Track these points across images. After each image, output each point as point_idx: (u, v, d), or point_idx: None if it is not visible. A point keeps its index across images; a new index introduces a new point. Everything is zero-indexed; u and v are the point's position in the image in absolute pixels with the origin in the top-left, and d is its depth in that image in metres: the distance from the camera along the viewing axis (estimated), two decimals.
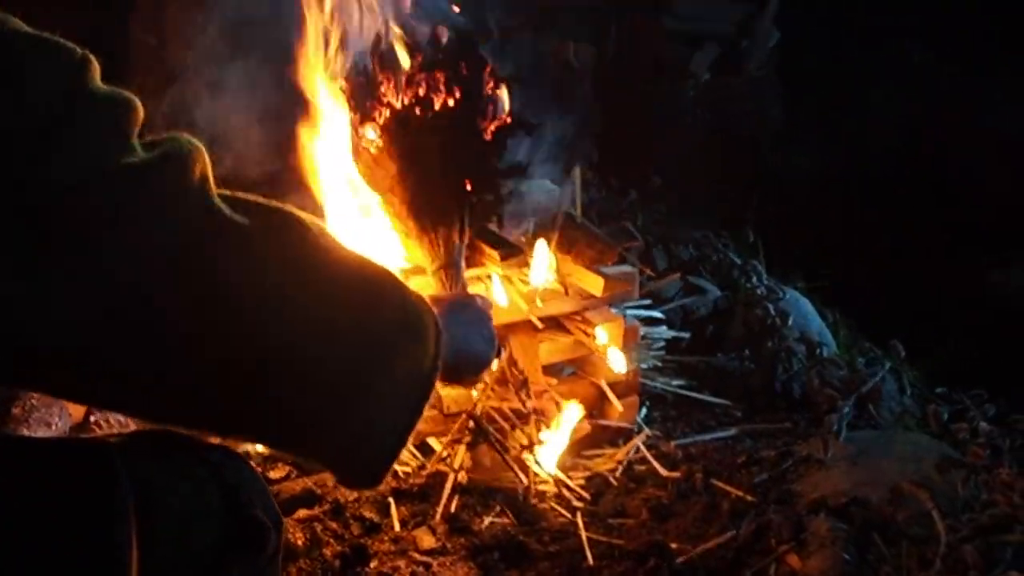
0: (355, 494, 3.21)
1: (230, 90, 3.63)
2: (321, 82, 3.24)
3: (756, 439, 3.72)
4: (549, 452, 3.31)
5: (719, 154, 6.07)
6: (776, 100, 6.58)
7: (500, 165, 3.34)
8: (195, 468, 1.80)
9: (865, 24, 6.59)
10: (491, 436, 3.30)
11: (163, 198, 1.35)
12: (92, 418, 3.56)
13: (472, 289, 3.34)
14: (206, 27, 3.73)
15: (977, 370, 4.18)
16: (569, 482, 3.31)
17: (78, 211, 1.27)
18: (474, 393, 3.33)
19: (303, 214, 1.59)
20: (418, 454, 3.41)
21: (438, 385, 1.72)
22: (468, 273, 3.39)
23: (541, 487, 3.27)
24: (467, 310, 2.21)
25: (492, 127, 3.28)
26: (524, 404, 3.32)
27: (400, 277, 1.73)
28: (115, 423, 3.55)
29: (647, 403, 3.82)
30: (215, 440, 1.76)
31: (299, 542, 2.96)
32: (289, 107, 3.30)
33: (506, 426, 3.37)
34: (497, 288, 3.38)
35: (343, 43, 3.24)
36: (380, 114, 3.21)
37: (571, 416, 3.36)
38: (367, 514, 3.13)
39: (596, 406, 3.61)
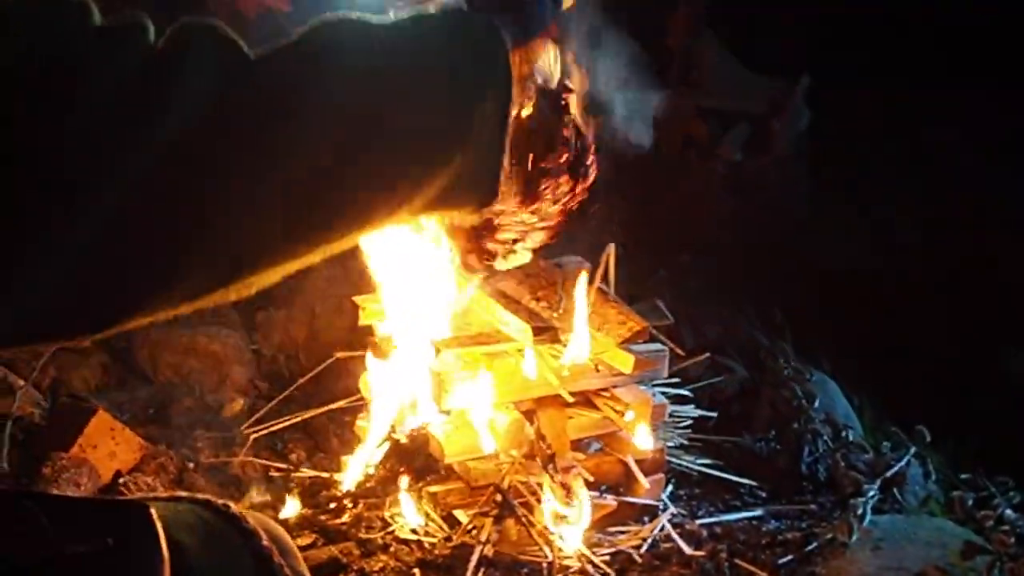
0: (380, 563, 3.24)
1: None
2: None
3: (781, 520, 3.72)
4: (573, 527, 3.32)
5: (747, 234, 6.09)
6: (804, 180, 6.60)
7: None
8: (229, 534, 1.82)
9: (894, 104, 6.61)
10: (517, 510, 3.32)
11: (199, 69, 1.40)
12: (121, 480, 3.59)
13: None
14: None
15: (1002, 456, 4.17)
16: (594, 558, 3.32)
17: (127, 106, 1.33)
18: (502, 462, 3.35)
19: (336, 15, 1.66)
20: (444, 526, 3.43)
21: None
22: (496, 348, 3.42)
23: (566, 562, 3.28)
24: None
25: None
26: (552, 479, 3.34)
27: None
28: (143, 486, 3.58)
29: (673, 481, 3.83)
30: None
31: None
32: None
33: (533, 500, 3.39)
34: (528, 361, 3.40)
35: None
36: None
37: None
38: None
39: (622, 483, 3.62)
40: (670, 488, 3.79)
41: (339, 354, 4.25)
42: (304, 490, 3.71)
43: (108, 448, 3.66)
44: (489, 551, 3.26)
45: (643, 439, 3.51)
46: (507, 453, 3.42)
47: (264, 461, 3.87)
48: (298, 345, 4.76)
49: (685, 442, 4.03)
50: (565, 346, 3.42)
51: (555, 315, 3.41)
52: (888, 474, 3.84)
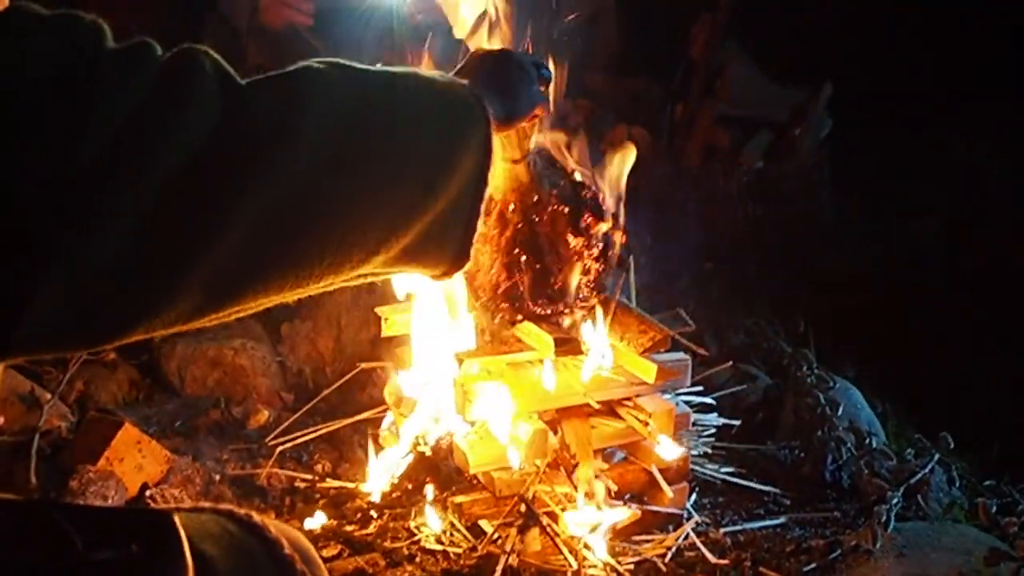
0: (405, 573, 3.25)
1: None
2: None
3: (805, 528, 3.72)
4: (597, 535, 3.33)
5: (769, 241, 6.10)
6: (826, 188, 6.61)
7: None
8: (252, 543, 1.84)
9: (917, 113, 6.61)
10: (542, 519, 3.33)
11: (196, 92, 1.44)
12: (147, 492, 3.61)
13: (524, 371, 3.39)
14: None
15: None
16: (619, 567, 3.32)
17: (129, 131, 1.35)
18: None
19: (326, 60, 1.71)
20: (469, 536, 3.44)
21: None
22: (519, 358, 3.44)
23: (591, 571, 3.29)
24: (500, 67, 2.32)
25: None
26: (575, 488, 3.35)
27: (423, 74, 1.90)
28: (170, 498, 3.60)
29: (696, 489, 3.83)
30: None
31: None
32: None
33: (557, 509, 3.40)
34: (548, 371, 3.41)
35: None
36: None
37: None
38: None
39: (646, 491, 3.63)
40: (694, 497, 3.79)
41: (363, 365, 4.27)
42: (329, 501, 3.73)
43: (135, 461, 3.68)
44: (514, 561, 3.27)
45: (666, 448, 3.52)
46: (531, 463, 3.43)
47: (290, 472, 3.89)
48: (323, 357, 4.79)
49: (709, 450, 4.04)
50: (587, 357, 3.43)
51: (578, 314, 3.43)
52: (912, 481, 3.83)
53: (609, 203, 3.38)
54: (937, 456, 4.01)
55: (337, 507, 3.68)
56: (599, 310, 3.43)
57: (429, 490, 3.62)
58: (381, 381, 4.03)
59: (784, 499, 3.92)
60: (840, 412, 4.29)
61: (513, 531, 3.34)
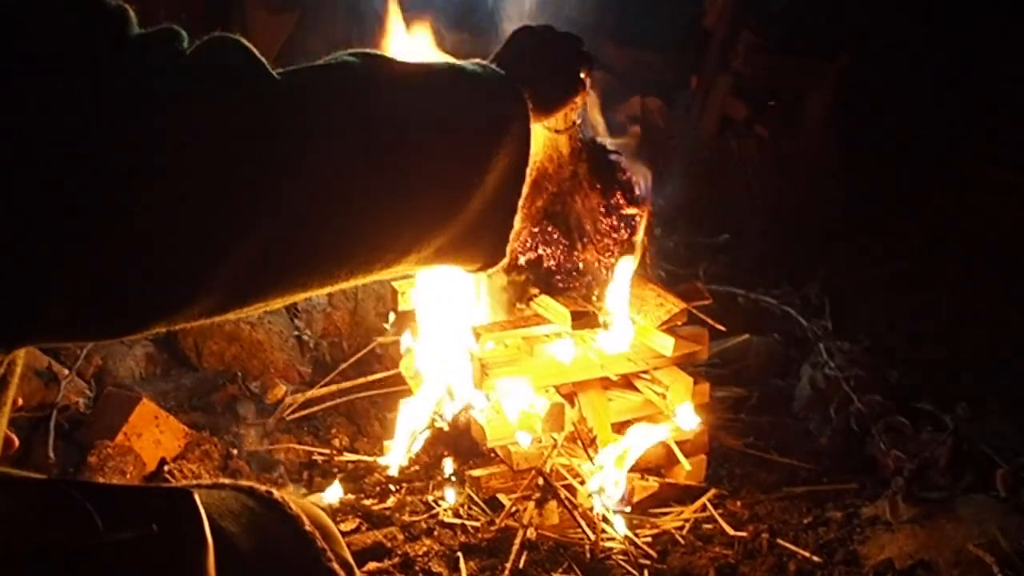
0: (424, 547, 3.26)
1: None
2: None
3: (822, 499, 3.71)
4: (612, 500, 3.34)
5: (784, 212, 6.09)
6: (842, 159, 6.58)
7: None
8: (272, 520, 1.85)
9: (932, 85, 6.57)
10: (560, 492, 3.34)
11: (225, 76, 1.45)
12: (166, 467, 3.62)
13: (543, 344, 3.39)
14: None
15: None
16: (636, 540, 3.33)
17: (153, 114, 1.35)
18: (542, 444, 3.36)
19: (365, 51, 1.70)
20: (487, 509, 3.45)
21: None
22: (536, 331, 3.43)
23: (608, 544, 3.30)
24: (542, 50, 2.27)
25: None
26: (592, 461, 3.35)
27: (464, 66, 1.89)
28: (188, 474, 3.61)
29: (714, 462, 3.83)
30: None
31: None
32: None
33: (575, 483, 3.41)
34: (565, 344, 3.41)
35: None
36: None
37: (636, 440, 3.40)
38: (436, 568, 3.18)
39: (664, 464, 3.63)
40: (711, 469, 3.79)
41: (379, 339, 4.27)
42: (347, 475, 3.73)
43: (153, 436, 3.69)
44: (532, 534, 3.27)
45: (684, 421, 3.52)
46: (549, 436, 3.43)
47: (307, 447, 3.90)
48: (340, 331, 4.79)
49: (726, 422, 4.04)
50: (605, 330, 3.43)
51: (594, 299, 3.42)
52: (929, 452, 3.82)
53: (641, 187, 3.38)
54: (954, 427, 4.00)
55: (355, 481, 3.68)
56: (617, 283, 3.42)
57: (447, 464, 3.62)
58: (398, 355, 4.03)
59: (802, 470, 3.91)
60: (856, 383, 4.28)
61: (531, 504, 3.34)
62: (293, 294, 1.58)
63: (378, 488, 3.62)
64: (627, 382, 3.57)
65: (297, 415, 4.07)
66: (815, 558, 3.28)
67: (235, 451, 3.81)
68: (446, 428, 3.62)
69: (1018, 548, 3.16)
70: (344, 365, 4.39)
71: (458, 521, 3.41)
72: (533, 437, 3.40)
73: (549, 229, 3.27)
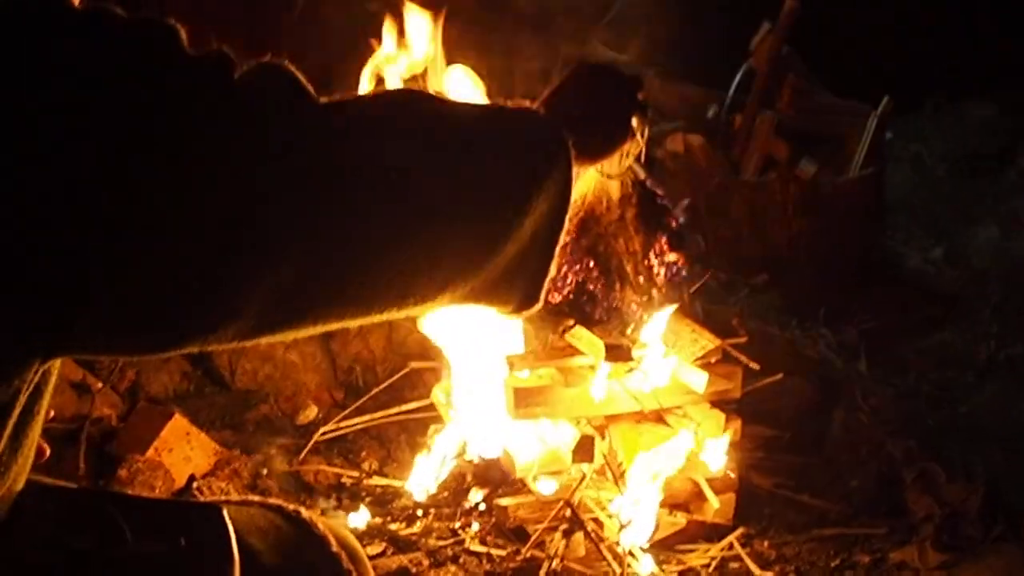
0: (449, 574, 3.26)
1: None
2: None
3: (851, 543, 3.69)
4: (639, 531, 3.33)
5: (824, 252, 6.07)
6: (882, 200, 6.56)
7: None
8: (300, 539, 1.86)
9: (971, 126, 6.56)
10: (587, 525, 3.33)
11: (271, 107, 1.45)
12: (195, 484, 3.63)
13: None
14: None
15: None
16: (662, 575, 3.32)
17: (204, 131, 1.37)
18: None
19: (410, 89, 1.70)
20: (514, 539, 3.45)
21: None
22: (571, 361, 3.43)
23: None
24: (595, 94, 2.18)
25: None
26: (621, 493, 3.34)
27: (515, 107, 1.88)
28: (217, 491, 3.62)
29: (743, 500, 3.81)
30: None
31: None
32: None
33: (602, 515, 3.40)
34: (598, 376, 3.41)
35: None
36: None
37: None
38: None
39: (692, 501, 3.62)
40: (740, 507, 3.77)
41: (413, 364, 4.27)
42: (375, 499, 3.74)
43: (183, 452, 3.70)
44: (557, 565, 3.27)
45: (714, 458, 3.51)
46: (578, 468, 3.43)
47: (336, 469, 3.91)
48: (374, 355, 4.79)
49: (756, 461, 4.03)
50: (638, 364, 3.42)
51: (629, 332, 3.41)
52: (960, 500, 3.80)
53: (687, 237, 3.37)
54: (987, 475, 3.97)
55: (383, 505, 3.69)
56: (653, 319, 3.42)
57: (475, 492, 3.62)
58: (431, 381, 4.03)
59: (831, 513, 3.89)
60: (890, 427, 4.26)
61: (558, 535, 3.34)
62: (325, 324, 1.58)
63: (405, 513, 3.62)
64: (659, 417, 3.56)
65: (327, 437, 4.07)
66: None
67: (264, 471, 3.82)
68: (476, 461, 3.63)
69: None
70: (376, 390, 4.38)
71: (484, 549, 3.41)
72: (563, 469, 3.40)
73: (590, 265, 3.27)
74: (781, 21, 6.30)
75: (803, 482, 4.06)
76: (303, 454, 3.96)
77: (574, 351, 3.44)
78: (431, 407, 3.98)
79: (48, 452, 1.73)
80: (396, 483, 3.82)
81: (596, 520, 3.41)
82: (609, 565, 3.29)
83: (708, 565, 3.45)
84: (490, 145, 1.73)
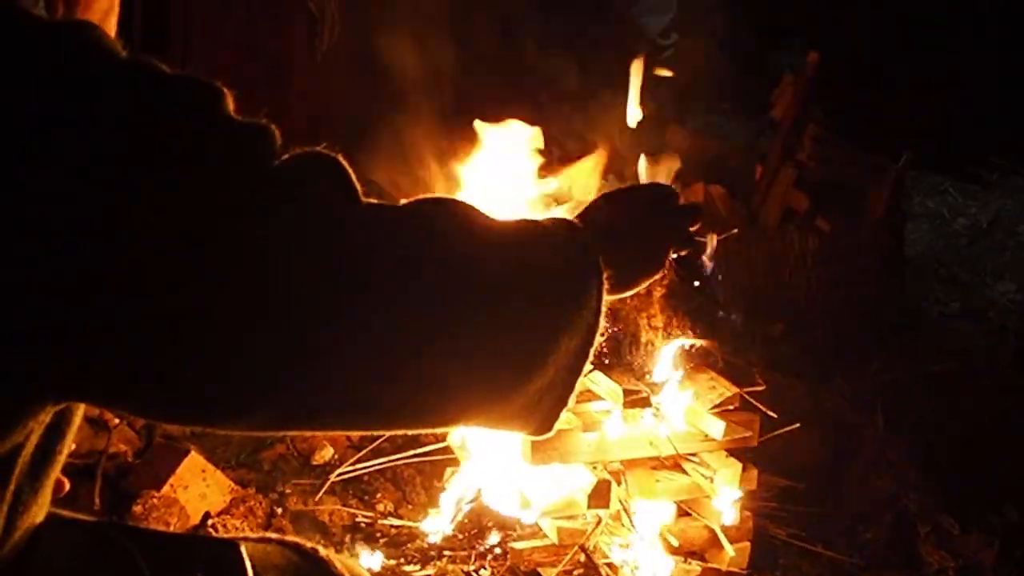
0: None
1: None
2: None
3: None
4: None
5: (841, 304, 6.07)
6: (901, 254, 6.56)
7: None
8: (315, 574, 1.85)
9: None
10: (602, 570, 3.32)
11: (309, 197, 1.40)
12: (210, 522, 3.64)
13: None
14: None
15: None
16: None
17: (233, 217, 1.33)
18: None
19: (448, 198, 1.64)
20: None
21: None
22: (588, 406, 3.43)
23: None
24: (639, 218, 2.04)
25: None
26: (636, 536, 3.34)
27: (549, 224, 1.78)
28: (232, 528, 3.63)
29: (758, 549, 3.80)
30: None
31: None
32: None
33: (617, 561, 3.39)
34: (615, 422, 3.41)
35: None
36: None
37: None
38: None
39: (707, 549, 3.61)
40: (755, 556, 3.76)
41: None
42: (390, 540, 3.73)
43: (199, 490, 3.71)
44: None
45: (730, 507, 3.50)
46: (594, 513, 3.42)
47: (351, 509, 3.90)
48: None
49: (772, 511, 4.02)
50: (656, 411, 3.42)
51: (647, 378, 3.42)
52: (975, 554, 3.79)
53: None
54: (1001, 531, 3.96)
55: (397, 547, 3.69)
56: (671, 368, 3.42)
57: (490, 535, 3.62)
58: None
59: (845, 564, 3.88)
60: (906, 479, 4.25)
61: None
62: (337, 429, 1.58)
63: (419, 555, 3.62)
64: (676, 464, 3.56)
65: (343, 478, 4.07)
66: None
67: (280, 509, 3.82)
68: (491, 505, 3.63)
69: None
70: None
71: None
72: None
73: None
74: (803, 73, 6.32)
75: (817, 532, 4.05)
76: (320, 494, 3.95)
77: (591, 395, 3.44)
78: (447, 450, 3.97)
79: (67, 486, 1.73)
80: (411, 524, 3.81)
81: (610, 565, 3.40)
82: None
83: None
84: (520, 279, 1.64)
